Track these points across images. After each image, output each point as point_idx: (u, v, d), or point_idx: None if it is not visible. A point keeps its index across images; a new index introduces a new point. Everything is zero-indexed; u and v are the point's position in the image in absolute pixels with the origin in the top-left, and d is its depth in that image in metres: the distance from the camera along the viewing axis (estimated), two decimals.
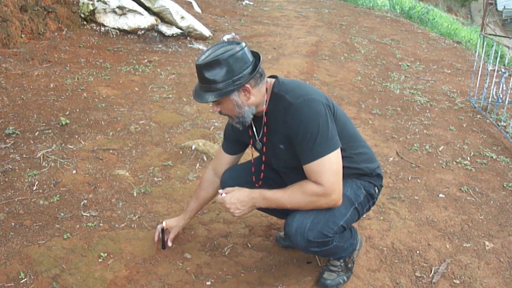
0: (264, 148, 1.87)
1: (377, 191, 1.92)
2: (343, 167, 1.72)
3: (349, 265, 1.98)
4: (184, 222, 2.19)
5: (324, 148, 1.64)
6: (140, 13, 5.57)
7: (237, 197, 1.79)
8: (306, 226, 1.70)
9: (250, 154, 2.04)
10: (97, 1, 5.39)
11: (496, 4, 20.71)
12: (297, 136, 1.67)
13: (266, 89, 1.76)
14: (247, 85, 1.67)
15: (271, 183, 1.96)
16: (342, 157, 1.71)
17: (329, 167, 1.64)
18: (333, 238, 1.75)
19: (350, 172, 1.82)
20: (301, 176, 1.71)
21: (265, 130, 1.81)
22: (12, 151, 2.93)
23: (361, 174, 1.86)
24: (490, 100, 4.14)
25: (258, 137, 1.87)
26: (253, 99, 1.71)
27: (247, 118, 1.74)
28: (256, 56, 1.72)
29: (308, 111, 1.65)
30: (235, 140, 2.02)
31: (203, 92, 1.68)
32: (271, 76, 1.83)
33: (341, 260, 1.96)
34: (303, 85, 1.79)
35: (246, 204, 1.78)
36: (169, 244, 2.17)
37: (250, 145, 1.96)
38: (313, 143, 1.64)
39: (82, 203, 2.48)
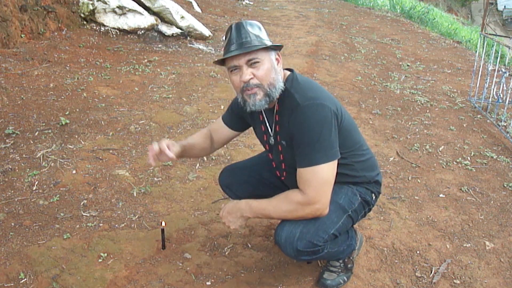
0: (275, 144, 1.83)
1: (374, 197, 1.90)
2: (342, 174, 1.69)
3: (349, 265, 1.98)
4: (180, 146, 1.92)
5: (321, 156, 1.60)
6: (140, 13, 5.57)
7: (227, 210, 1.80)
8: (295, 235, 1.66)
9: (248, 153, 2.03)
10: (97, 1, 5.38)
11: (496, 4, 20.71)
12: (297, 138, 1.64)
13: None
14: (279, 54, 1.70)
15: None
16: (342, 164, 1.69)
17: (319, 177, 1.61)
18: (323, 246, 1.71)
19: (348, 180, 1.80)
20: None
21: (277, 129, 1.77)
22: (12, 151, 2.93)
23: (359, 182, 1.84)
24: (490, 100, 4.14)
25: (271, 133, 1.81)
26: (281, 73, 1.71)
27: (278, 89, 1.66)
28: None
29: (313, 116, 1.60)
30: (239, 116, 1.95)
31: (241, 47, 1.61)
32: (286, 69, 1.79)
33: (340, 261, 1.95)
34: (316, 87, 1.73)
35: (235, 215, 1.77)
36: (169, 154, 1.80)
37: (265, 139, 1.88)
38: (311, 149, 1.60)
39: (82, 203, 2.48)
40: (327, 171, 1.62)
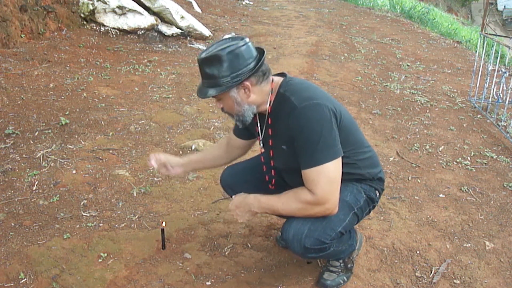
0: (267, 148, 1.85)
1: (378, 194, 1.90)
2: (346, 173, 1.69)
3: (349, 266, 1.98)
4: (180, 162, 2.05)
5: (325, 155, 1.60)
6: (140, 13, 5.57)
7: (235, 203, 1.80)
8: (303, 233, 1.67)
9: (249, 153, 2.03)
10: (97, 1, 5.38)
11: (496, 4, 20.71)
12: (299, 140, 1.63)
13: (272, 89, 1.72)
14: (247, 82, 1.64)
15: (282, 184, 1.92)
16: (346, 163, 1.69)
17: (325, 176, 1.60)
18: (330, 244, 1.72)
19: (352, 178, 1.80)
20: (298, 179, 1.68)
21: (269, 133, 1.78)
22: (12, 151, 2.93)
23: (363, 179, 1.84)
24: (490, 100, 4.14)
25: (261, 136, 1.83)
26: (253, 97, 1.68)
27: (247, 117, 1.72)
28: (260, 52, 1.68)
29: (312, 117, 1.61)
30: (244, 129, 1.98)
31: (204, 88, 1.67)
32: (279, 74, 1.78)
33: (340, 261, 1.95)
34: (311, 87, 1.74)
35: (243, 209, 1.77)
36: (153, 163, 2.02)
37: (259, 142, 1.92)
38: (313, 149, 1.60)
39: (82, 203, 2.48)
40: (332, 169, 1.62)
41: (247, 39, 1.65)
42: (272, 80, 1.73)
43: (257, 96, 1.69)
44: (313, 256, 1.75)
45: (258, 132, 1.85)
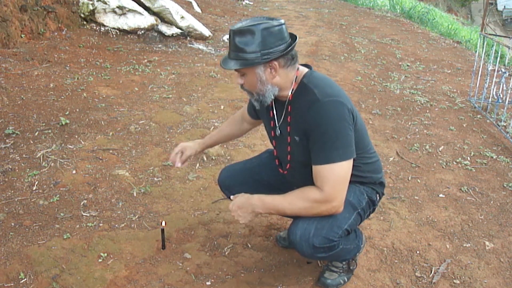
0: (284, 135, 1.81)
1: (378, 198, 1.91)
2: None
3: (351, 267, 1.98)
4: (200, 147, 2.14)
5: (339, 154, 1.60)
6: (140, 13, 5.57)
7: (237, 204, 1.77)
8: (311, 232, 1.66)
9: (248, 153, 2.03)
10: (97, 1, 5.38)
11: (496, 4, 20.71)
12: (315, 134, 1.62)
13: (296, 77, 1.71)
14: (275, 63, 1.63)
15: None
16: (352, 165, 1.69)
17: (337, 175, 1.60)
18: (338, 241, 1.72)
19: (354, 180, 1.79)
20: (306, 173, 1.68)
21: (288, 120, 1.76)
22: (12, 151, 2.93)
23: (365, 182, 1.85)
24: (490, 100, 4.14)
25: (278, 123, 1.81)
26: (278, 79, 1.66)
27: (268, 97, 1.69)
28: (292, 37, 1.67)
29: (333, 113, 1.60)
30: (254, 110, 1.99)
31: (229, 59, 1.65)
32: (304, 65, 1.78)
33: (344, 262, 1.95)
34: (334, 85, 1.74)
35: (246, 210, 1.75)
36: (178, 165, 2.04)
37: (271, 127, 1.89)
38: (329, 146, 1.60)
39: (82, 203, 2.48)
40: (344, 169, 1.62)
41: (282, 21, 1.64)
42: (298, 69, 1.72)
43: (281, 79, 1.68)
44: (322, 256, 1.74)
45: (274, 118, 1.82)
